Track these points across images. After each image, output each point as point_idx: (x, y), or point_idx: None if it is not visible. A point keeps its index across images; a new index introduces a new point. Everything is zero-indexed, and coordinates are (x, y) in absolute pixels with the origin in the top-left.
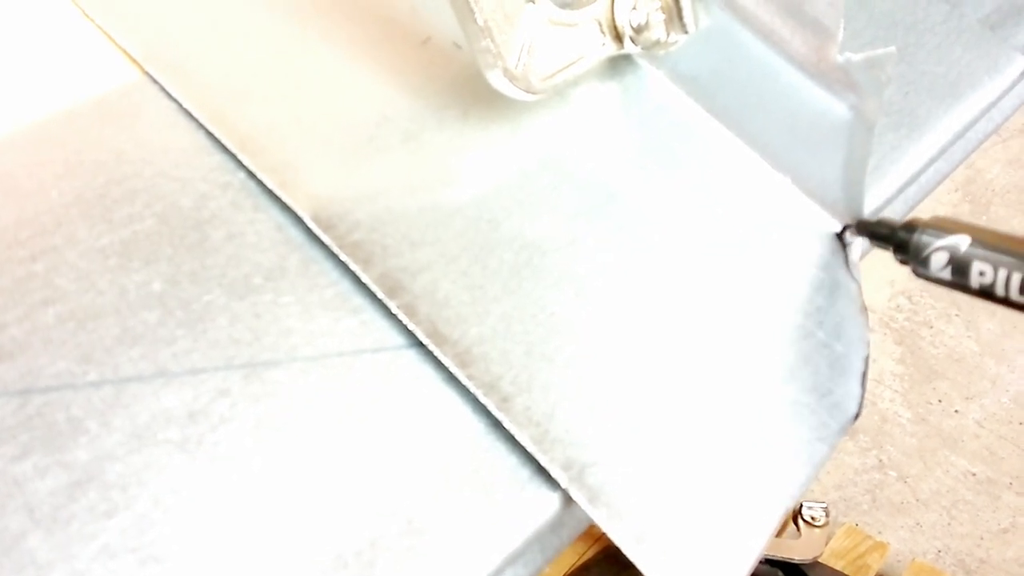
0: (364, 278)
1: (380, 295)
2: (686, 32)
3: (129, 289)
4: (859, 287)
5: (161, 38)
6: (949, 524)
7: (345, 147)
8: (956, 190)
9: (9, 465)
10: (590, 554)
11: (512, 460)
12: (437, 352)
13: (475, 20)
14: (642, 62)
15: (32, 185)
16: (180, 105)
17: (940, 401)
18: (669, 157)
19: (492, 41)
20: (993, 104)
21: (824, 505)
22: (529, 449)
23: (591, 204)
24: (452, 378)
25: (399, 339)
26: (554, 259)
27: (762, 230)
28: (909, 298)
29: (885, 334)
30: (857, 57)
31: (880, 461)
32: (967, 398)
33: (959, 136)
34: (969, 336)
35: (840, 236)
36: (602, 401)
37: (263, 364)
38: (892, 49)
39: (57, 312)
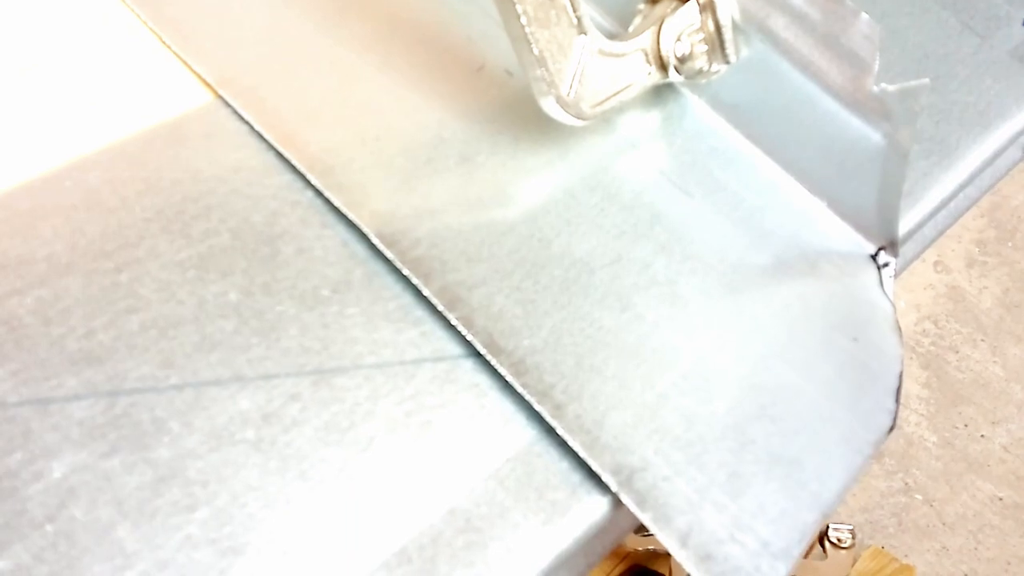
0: (425, 291)
1: (440, 307)
2: (727, 62)
3: (207, 299)
4: (892, 306)
5: (233, 63)
6: (976, 548)
7: (405, 168)
8: (982, 216)
9: (99, 461)
10: (617, 572)
11: (564, 465)
12: (493, 362)
13: (531, 50)
14: (685, 90)
15: (115, 201)
16: (251, 127)
17: (966, 426)
18: (710, 181)
19: (546, 70)
20: (1021, 132)
21: (850, 527)
22: (581, 455)
23: (636, 224)
24: (507, 386)
25: (457, 349)
26: (601, 276)
27: (799, 251)
28: (935, 323)
29: (911, 358)
30: (892, 88)
31: (906, 484)
32: (993, 423)
33: (988, 163)
34: (995, 361)
35: (874, 257)
36: (648, 410)
37: (331, 371)
38: (925, 80)
39: (141, 320)
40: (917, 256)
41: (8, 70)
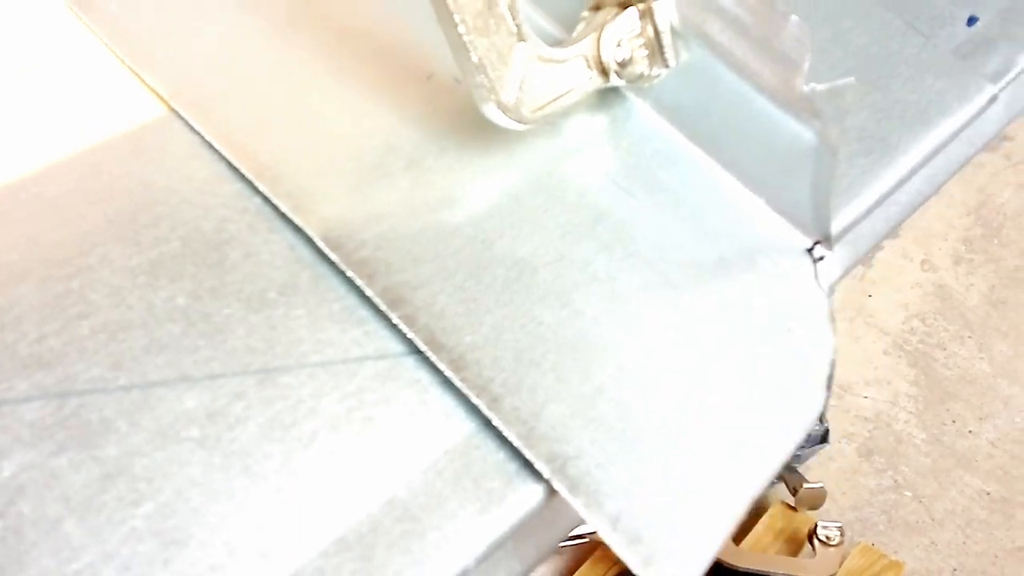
0: (368, 292)
1: (383, 307)
2: (667, 66)
3: (156, 304)
4: (827, 297)
5: (185, 76)
6: (964, 543)
7: (354, 173)
8: (968, 214)
9: (48, 460)
10: (612, 574)
11: (501, 456)
12: (434, 358)
13: (470, 58)
14: (628, 94)
15: (70, 211)
16: (203, 138)
17: (954, 422)
18: (653, 181)
19: (486, 76)
20: (964, 127)
21: (839, 524)
22: (516, 444)
23: (578, 224)
24: (448, 382)
25: (399, 347)
26: (543, 274)
27: (738, 247)
28: (923, 320)
29: (900, 356)
30: (820, 87)
31: (895, 482)
32: (980, 418)
33: (928, 159)
34: (982, 357)
35: (810, 251)
36: (585, 402)
37: (276, 370)
38: (851, 79)
39: (91, 324)
40: (871, 250)
41: None
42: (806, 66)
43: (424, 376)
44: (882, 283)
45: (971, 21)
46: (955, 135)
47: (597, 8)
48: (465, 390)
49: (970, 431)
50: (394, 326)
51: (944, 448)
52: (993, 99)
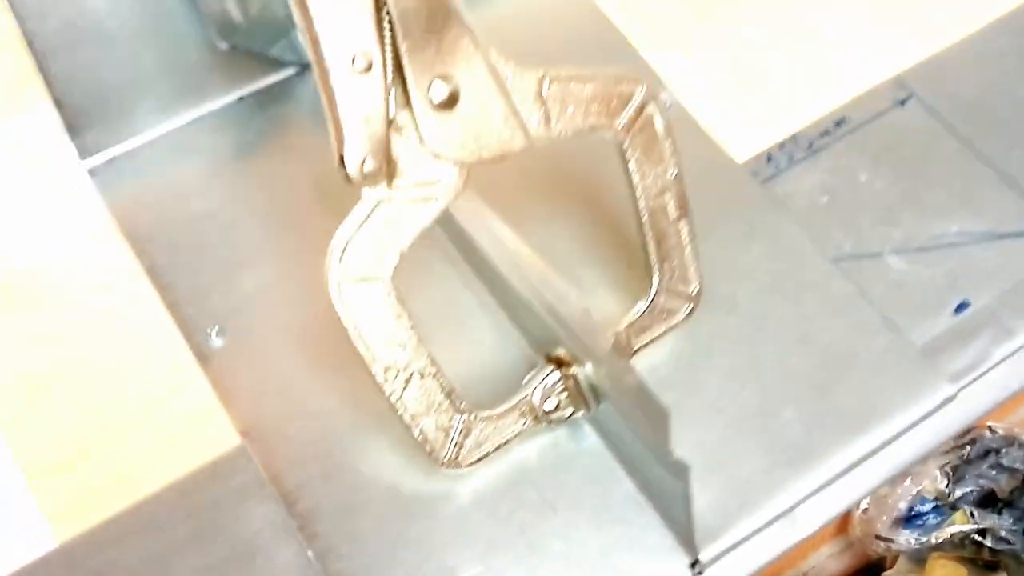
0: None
1: None
2: (588, 409)
3: None
4: None
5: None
6: None
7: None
8: None
9: None
10: None
11: None
12: None
13: (414, 433)
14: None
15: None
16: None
17: None
18: (575, 497)
19: (429, 445)
20: (902, 433)
21: None
22: None
23: (503, 536)
24: None
25: None
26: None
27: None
28: None
29: None
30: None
31: None
32: None
33: (850, 469)
34: None
35: (692, 566)
36: None
37: None
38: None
39: None
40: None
41: None
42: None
43: None
44: None
45: (960, 308)
46: (890, 441)
47: (548, 360)
48: None
49: None
50: None
51: None
52: (949, 400)
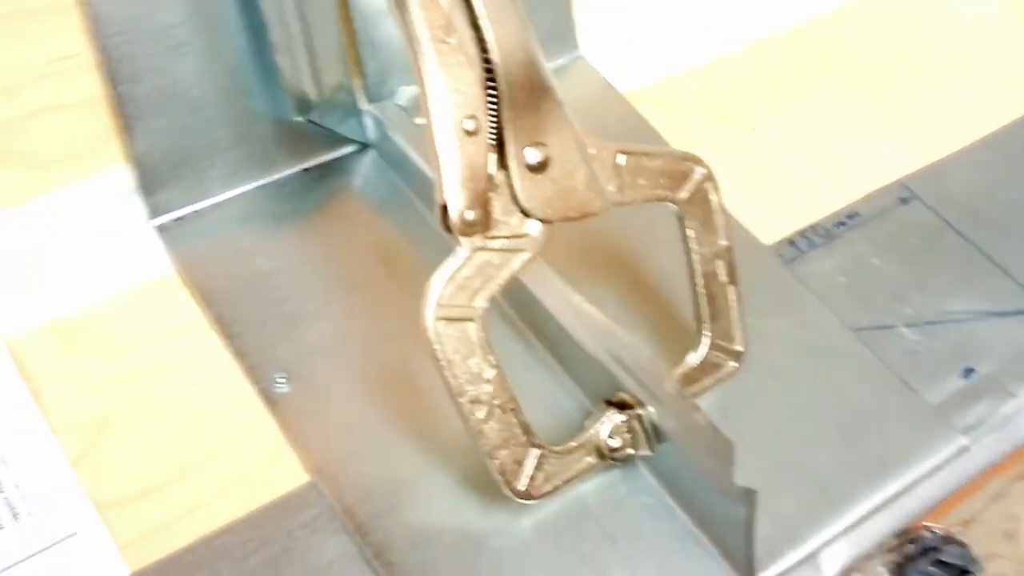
0: None
1: None
2: (651, 451)
3: None
4: None
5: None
6: None
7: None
8: None
9: None
10: None
11: None
12: None
13: (494, 466)
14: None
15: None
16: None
17: None
18: (635, 531)
19: (504, 474)
20: (924, 478)
21: None
22: None
23: (565, 564)
24: None
25: None
26: None
27: None
28: None
29: None
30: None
31: None
32: None
33: (876, 511)
34: None
35: None
36: None
37: None
38: (754, 492)
39: None
40: None
41: None
42: (732, 465)
43: None
44: None
45: (967, 373)
46: (910, 488)
47: (608, 404)
48: None
49: None
50: None
51: None
52: (963, 450)
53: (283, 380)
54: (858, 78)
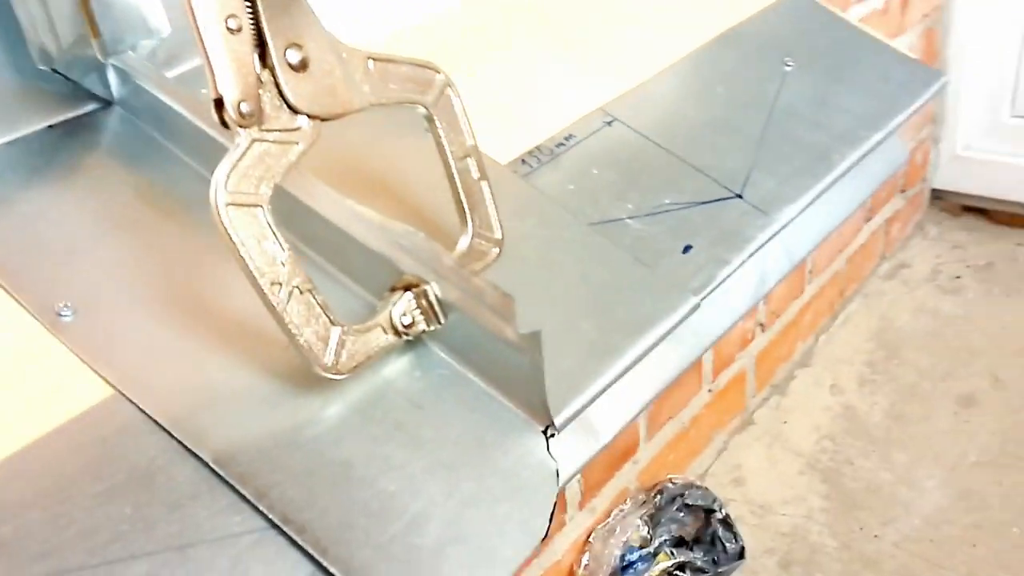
0: (244, 492)
1: (251, 499)
2: (440, 323)
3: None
4: (555, 464)
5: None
6: None
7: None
8: (871, 339)
9: None
10: None
11: None
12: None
13: (300, 343)
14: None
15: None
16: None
17: (861, 529)
18: (435, 397)
19: (311, 351)
20: (667, 334)
21: None
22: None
23: (384, 431)
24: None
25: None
26: (360, 471)
27: (495, 434)
28: (833, 440)
29: (813, 475)
30: (522, 331)
31: None
32: (884, 523)
33: (640, 359)
34: (885, 468)
35: (544, 432)
36: (383, 551)
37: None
38: (539, 331)
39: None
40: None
41: None
42: (514, 316)
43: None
44: (796, 409)
45: (686, 249)
46: (662, 339)
47: (392, 291)
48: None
49: (875, 535)
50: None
51: (853, 553)
52: (695, 307)
53: (68, 311)
54: (555, 27)
